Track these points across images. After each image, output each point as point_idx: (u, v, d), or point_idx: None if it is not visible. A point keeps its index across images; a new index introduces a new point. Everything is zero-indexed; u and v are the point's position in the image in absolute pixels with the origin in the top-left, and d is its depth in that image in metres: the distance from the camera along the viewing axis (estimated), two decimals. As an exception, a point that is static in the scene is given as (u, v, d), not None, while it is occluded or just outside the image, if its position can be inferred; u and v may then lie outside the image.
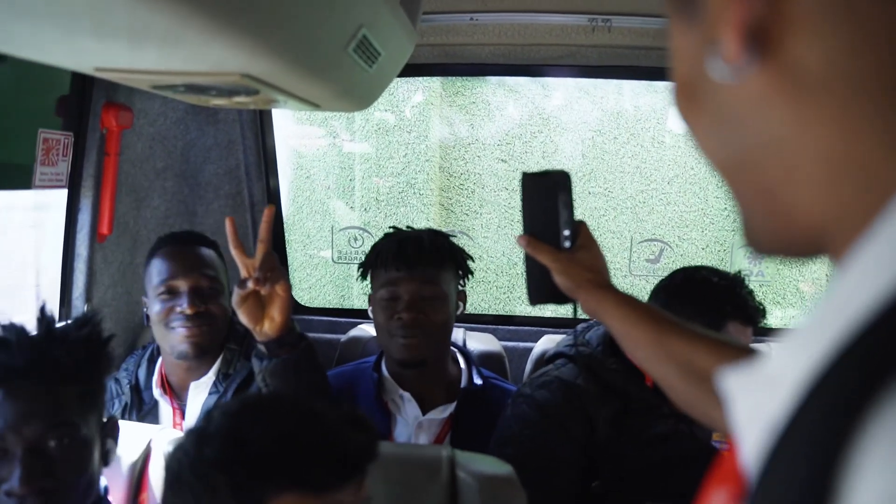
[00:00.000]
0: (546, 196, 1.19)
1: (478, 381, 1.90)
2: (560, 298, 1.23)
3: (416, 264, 1.79)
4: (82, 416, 1.23)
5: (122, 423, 1.63)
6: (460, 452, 1.43)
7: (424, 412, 1.85)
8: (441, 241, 1.85)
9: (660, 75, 2.83)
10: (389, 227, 1.93)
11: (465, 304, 1.93)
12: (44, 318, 1.24)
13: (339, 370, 2.02)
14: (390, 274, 1.80)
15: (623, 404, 1.71)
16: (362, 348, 2.33)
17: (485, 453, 1.53)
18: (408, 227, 1.92)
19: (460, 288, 1.91)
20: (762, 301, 1.77)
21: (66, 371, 1.20)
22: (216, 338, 1.94)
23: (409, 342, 1.79)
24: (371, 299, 1.89)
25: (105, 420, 1.32)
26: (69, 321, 1.30)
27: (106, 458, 1.30)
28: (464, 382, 1.90)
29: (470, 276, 1.91)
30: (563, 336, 2.28)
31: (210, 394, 1.93)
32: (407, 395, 1.85)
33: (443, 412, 1.85)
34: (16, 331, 1.22)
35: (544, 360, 1.93)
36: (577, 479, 1.67)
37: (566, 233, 1.19)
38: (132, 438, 1.53)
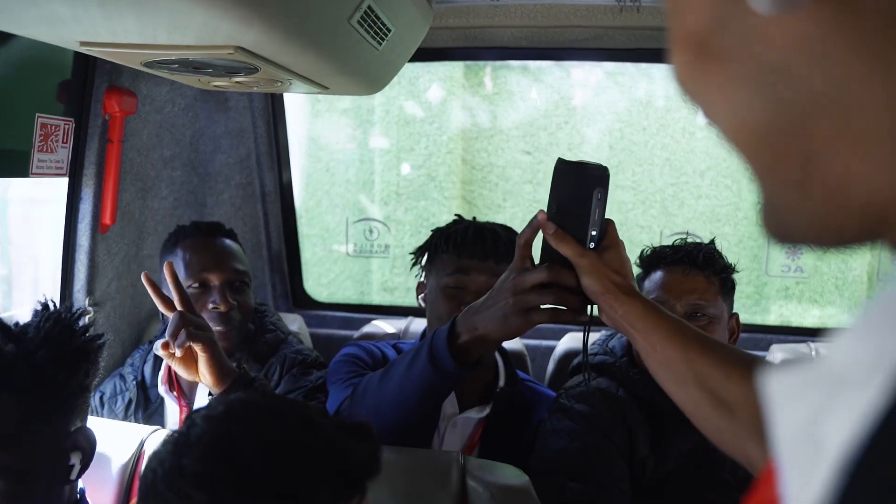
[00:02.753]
0: (581, 189, 1.09)
1: (515, 384, 1.80)
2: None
3: (491, 255, 1.68)
4: (26, 431, 1.05)
5: (113, 423, 1.56)
6: (473, 459, 1.32)
7: (461, 409, 1.74)
8: (512, 236, 1.74)
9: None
10: (455, 215, 1.83)
11: None
12: None
13: (377, 343, 1.89)
14: (462, 261, 1.69)
15: (656, 416, 1.62)
16: (376, 345, 2.23)
17: (514, 458, 1.41)
18: (474, 218, 1.82)
19: None
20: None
21: (7, 378, 1.04)
22: (241, 337, 1.90)
23: None
24: (423, 287, 1.79)
25: (73, 429, 1.14)
26: (34, 317, 1.13)
27: (68, 475, 1.13)
28: (501, 382, 1.80)
29: None
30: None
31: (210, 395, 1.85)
32: None
33: (478, 412, 1.74)
34: None
35: (569, 370, 1.83)
36: (628, 494, 1.57)
37: (593, 233, 1.09)
38: (123, 439, 1.44)
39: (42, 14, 1.05)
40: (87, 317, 1.21)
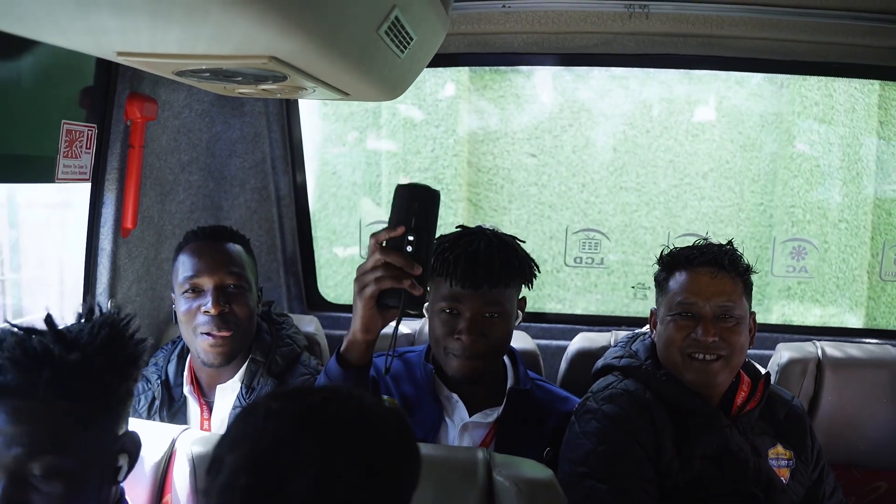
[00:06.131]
0: (401, 202, 1.37)
1: (526, 384, 1.83)
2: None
3: (485, 282, 1.68)
4: (81, 435, 1.09)
5: (145, 423, 1.59)
6: (498, 455, 1.35)
7: (471, 413, 1.77)
8: (511, 256, 1.74)
9: (699, 64, 2.75)
10: (457, 227, 1.81)
11: (523, 312, 1.83)
12: (50, 324, 1.12)
13: (386, 355, 1.91)
14: (454, 290, 1.69)
15: (683, 418, 1.66)
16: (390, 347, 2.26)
17: (529, 457, 1.45)
18: (478, 226, 1.80)
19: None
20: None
21: (68, 385, 1.07)
22: (241, 342, 1.89)
23: (469, 363, 1.70)
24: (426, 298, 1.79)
25: (121, 433, 1.19)
26: (84, 321, 1.17)
27: (116, 475, 1.17)
28: (510, 382, 1.82)
29: (534, 283, 1.81)
30: (598, 334, 2.23)
31: (234, 407, 1.89)
32: (455, 396, 1.78)
33: (488, 416, 1.77)
34: (15, 338, 1.08)
35: (592, 372, 1.86)
36: (655, 497, 1.60)
37: (410, 238, 1.35)
38: (155, 438, 1.47)
39: (87, 25, 1.08)
40: (135, 322, 1.23)
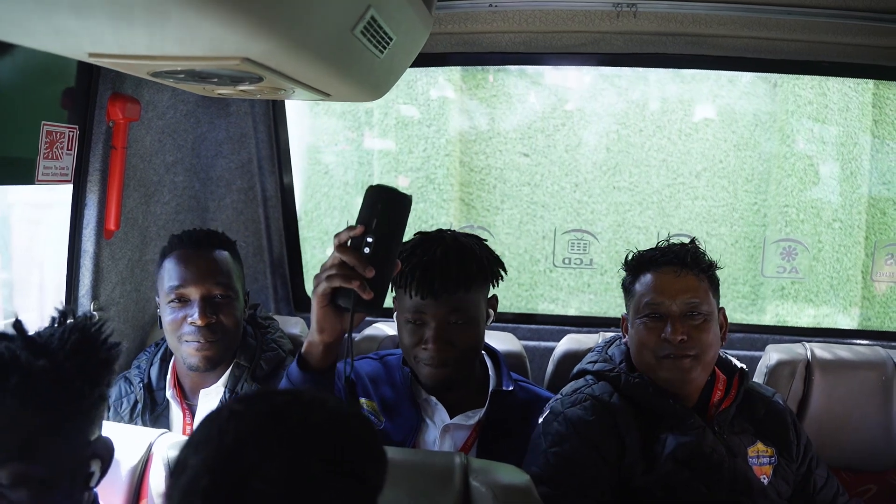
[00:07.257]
0: (365, 203, 1.37)
1: (508, 385, 1.81)
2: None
3: (443, 291, 1.66)
4: (51, 441, 1.06)
5: (122, 427, 1.58)
6: (475, 460, 1.34)
7: (452, 415, 1.76)
8: (468, 261, 1.71)
9: (688, 63, 2.73)
10: (415, 234, 1.78)
11: (495, 310, 1.82)
12: (19, 329, 1.09)
13: (368, 358, 1.91)
14: (415, 301, 1.67)
15: (654, 420, 1.65)
16: (377, 347, 2.25)
17: (513, 460, 1.44)
18: (437, 230, 1.78)
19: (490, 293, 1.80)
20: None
21: (36, 391, 1.05)
22: (228, 349, 1.88)
23: (438, 371, 1.69)
24: (395, 307, 1.78)
25: (93, 439, 1.15)
26: (57, 326, 1.14)
27: (88, 482, 1.14)
28: (493, 385, 1.81)
29: (500, 282, 1.80)
30: (585, 336, 2.22)
31: None
32: (433, 399, 1.77)
33: (470, 418, 1.76)
34: None
35: (570, 376, 1.86)
36: (607, 501, 1.60)
37: (369, 239, 1.35)
38: (132, 442, 1.46)
39: (52, 26, 1.07)
40: (108, 326, 1.20)
